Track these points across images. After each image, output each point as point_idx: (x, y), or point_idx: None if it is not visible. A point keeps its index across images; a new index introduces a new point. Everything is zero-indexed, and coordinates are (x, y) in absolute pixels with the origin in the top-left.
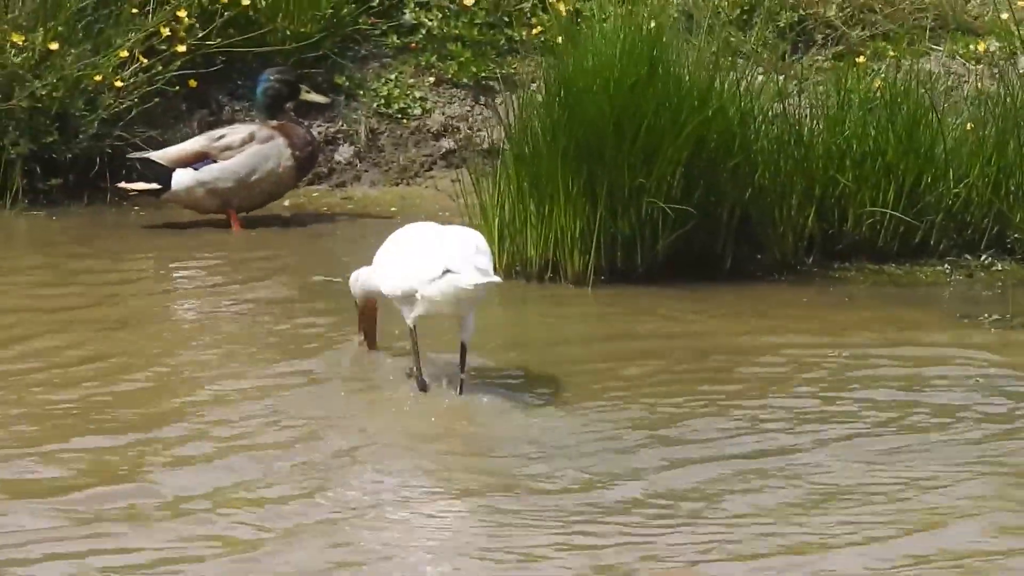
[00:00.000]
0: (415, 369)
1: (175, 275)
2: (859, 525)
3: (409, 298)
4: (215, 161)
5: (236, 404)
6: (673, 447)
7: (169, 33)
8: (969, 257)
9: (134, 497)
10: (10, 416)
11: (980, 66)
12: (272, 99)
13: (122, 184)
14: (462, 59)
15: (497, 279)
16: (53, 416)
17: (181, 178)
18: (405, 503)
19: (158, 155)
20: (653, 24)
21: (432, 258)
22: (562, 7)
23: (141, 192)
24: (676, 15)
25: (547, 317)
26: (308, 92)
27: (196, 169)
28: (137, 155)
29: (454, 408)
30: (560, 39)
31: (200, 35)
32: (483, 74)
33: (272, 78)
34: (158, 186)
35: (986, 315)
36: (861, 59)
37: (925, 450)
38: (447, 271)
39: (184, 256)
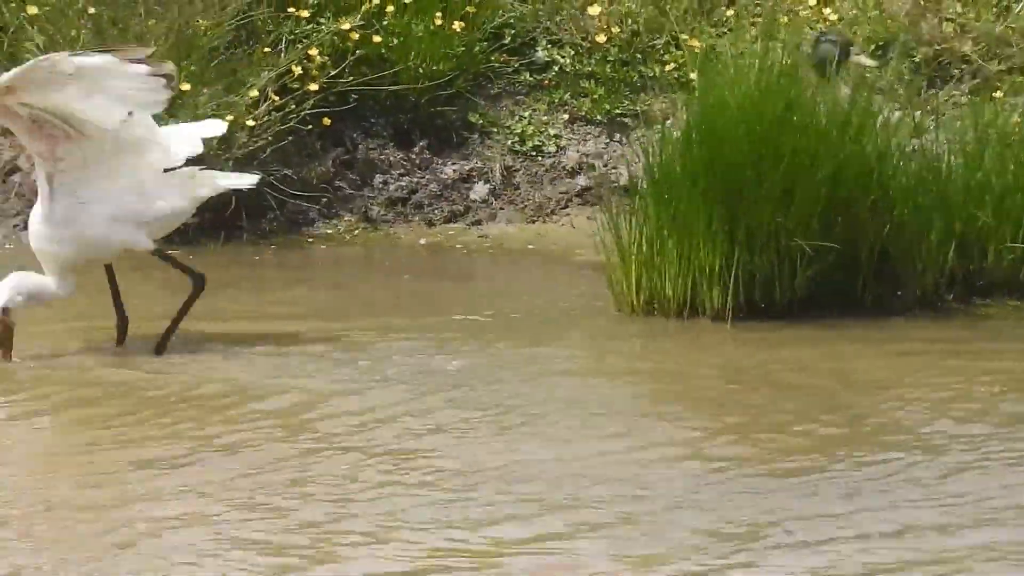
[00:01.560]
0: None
1: (316, 312)
2: None
3: None
4: None
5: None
6: (822, 494)
7: (301, 72)
8: None
9: None
10: None
11: None
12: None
13: None
14: (595, 96)
15: None
16: None
17: None
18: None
19: None
20: (788, 61)
21: None
22: (696, 44)
23: None
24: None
25: (686, 353)
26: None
27: None
28: None
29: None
30: (694, 76)
31: (332, 73)
32: (617, 111)
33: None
34: None
35: None
36: (998, 93)
37: None
38: None
39: (317, 295)
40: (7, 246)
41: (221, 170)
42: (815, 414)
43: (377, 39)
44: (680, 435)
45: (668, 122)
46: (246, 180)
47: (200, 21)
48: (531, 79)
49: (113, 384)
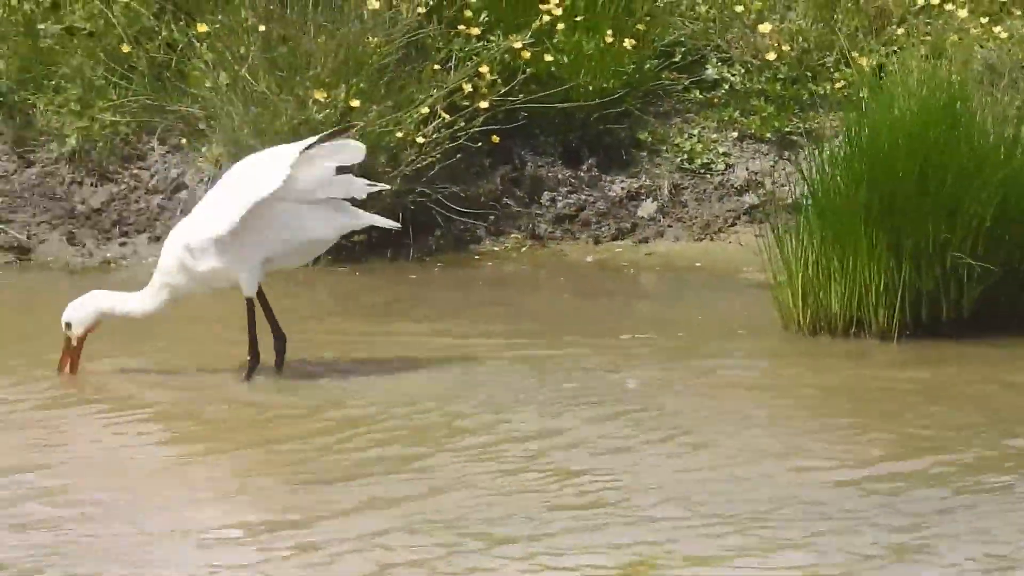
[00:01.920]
0: None
1: (484, 330)
2: None
3: None
4: None
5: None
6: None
7: (471, 89)
8: None
9: None
10: None
11: None
12: None
13: None
14: (765, 114)
15: None
16: None
17: None
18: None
19: None
20: (956, 78)
21: None
22: (865, 62)
23: None
24: (979, 68)
25: (855, 370)
26: None
27: None
28: None
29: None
30: (863, 94)
31: (502, 91)
32: (786, 129)
33: None
34: None
35: None
36: None
37: None
38: None
39: (485, 313)
40: None
41: (389, 184)
42: (999, 432)
43: (548, 57)
44: (867, 454)
45: (837, 140)
46: (389, 223)
47: (370, 39)
48: (701, 97)
49: (289, 408)
